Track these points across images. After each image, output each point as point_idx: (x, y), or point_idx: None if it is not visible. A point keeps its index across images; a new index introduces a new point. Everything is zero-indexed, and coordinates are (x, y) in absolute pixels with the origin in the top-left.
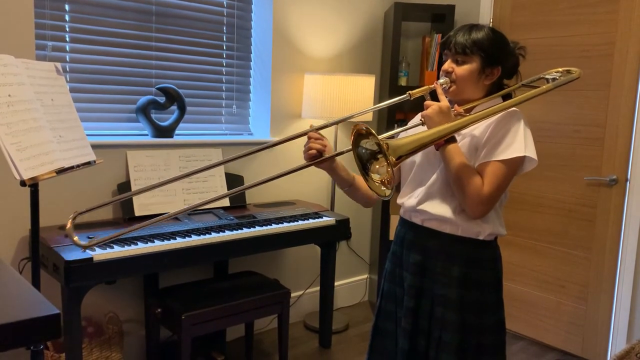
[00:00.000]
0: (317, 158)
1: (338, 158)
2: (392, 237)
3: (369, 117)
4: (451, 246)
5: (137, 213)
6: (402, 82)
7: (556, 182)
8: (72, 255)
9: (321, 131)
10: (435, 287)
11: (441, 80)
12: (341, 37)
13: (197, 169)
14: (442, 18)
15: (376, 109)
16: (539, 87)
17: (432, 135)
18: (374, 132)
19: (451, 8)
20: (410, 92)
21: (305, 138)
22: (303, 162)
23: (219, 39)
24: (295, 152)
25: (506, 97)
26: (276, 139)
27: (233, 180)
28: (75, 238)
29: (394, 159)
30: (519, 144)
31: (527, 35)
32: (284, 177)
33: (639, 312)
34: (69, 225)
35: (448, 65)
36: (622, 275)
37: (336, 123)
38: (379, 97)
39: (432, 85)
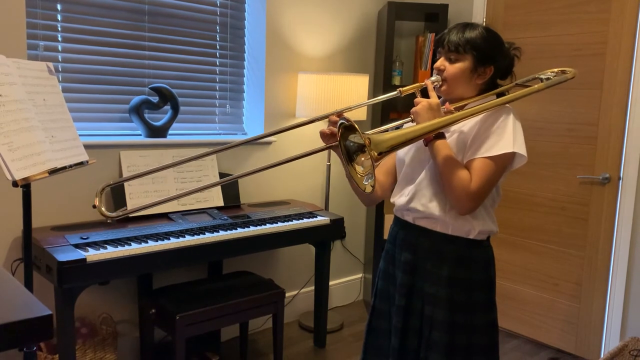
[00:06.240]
0: (330, 138)
1: None
2: (386, 236)
3: (362, 115)
4: (442, 245)
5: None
6: (396, 81)
7: (549, 180)
8: (65, 256)
9: (314, 124)
10: (425, 286)
11: (433, 78)
12: (335, 36)
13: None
14: (435, 17)
15: (368, 103)
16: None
17: (418, 131)
18: (357, 126)
19: (444, 7)
20: (400, 89)
21: (300, 136)
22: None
23: (213, 39)
24: (290, 150)
25: (500, 96)
26: (272, 137)
27: None
28: (103, 209)
29: (375, 154)
30: (507, 140)
31: (520, 35)
32: (279, 177)
33: (632, 309)
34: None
35: (440, 62)
36: (615, 273)
37: (326, 116)
38: (373, 96)
39: (424, 83)
